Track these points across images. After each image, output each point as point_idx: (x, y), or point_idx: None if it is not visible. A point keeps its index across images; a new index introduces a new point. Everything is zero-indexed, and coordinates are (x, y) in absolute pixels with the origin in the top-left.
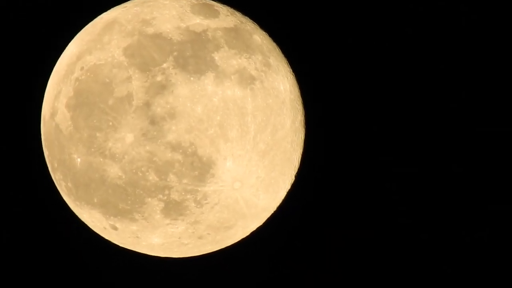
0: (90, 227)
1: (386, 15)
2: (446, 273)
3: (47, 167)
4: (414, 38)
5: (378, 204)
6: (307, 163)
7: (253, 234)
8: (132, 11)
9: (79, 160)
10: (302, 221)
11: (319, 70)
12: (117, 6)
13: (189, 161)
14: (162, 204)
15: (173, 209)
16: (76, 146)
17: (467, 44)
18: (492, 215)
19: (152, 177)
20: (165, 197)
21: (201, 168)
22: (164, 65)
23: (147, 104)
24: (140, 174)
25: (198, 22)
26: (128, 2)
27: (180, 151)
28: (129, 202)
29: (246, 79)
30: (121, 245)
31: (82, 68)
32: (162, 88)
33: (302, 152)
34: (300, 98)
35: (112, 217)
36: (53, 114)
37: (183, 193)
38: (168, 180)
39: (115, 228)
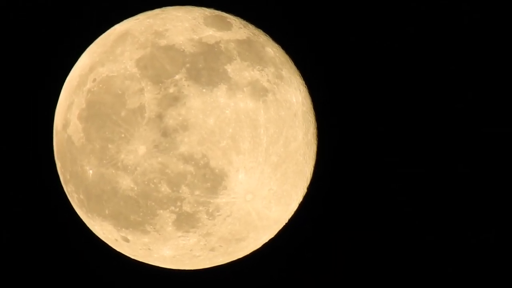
0: (102, 239)
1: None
2: (451, 274)
3: (59, 179)
4: (418, 40)
5: (384, 205)
6: (319, 175)
7: (265, 246)
8: (145, 23)
9: (91, 172)
10: (314, 229)
11: (331, 82)
12: (130, 18)
13: (201, 173)
14: (174, 216)
15: (185, 221)
16: (88, 158)
17: (472, 45)
18: (498, 217)
19: (164, 188)
20: (177, 209)
21: (213, 180)
22: (177, 76)
23: (160, 116)
24: (152, 186)
25: (211, 34)
26: (141, 14)
27: (193, 163)
28: (141, 214)
29: (259, 91)
30: (132, 257)
31: (94, 80)
32: (175, 100)
33: (314, 164)
34: (313, 110)
35: (123, 229)
36: (65, 126)
37: (195, 205)
38: (180, 191)
39: (127, 240)
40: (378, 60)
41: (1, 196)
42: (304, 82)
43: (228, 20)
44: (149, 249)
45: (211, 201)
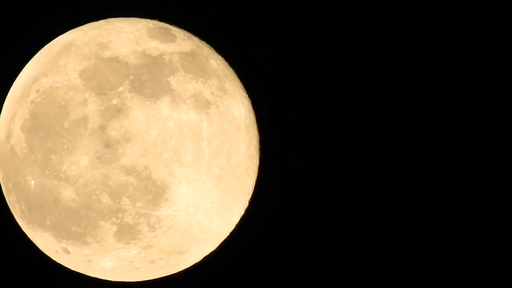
0: (43, 250)
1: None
2: (447, 274)
3: (1, 189)
4: (418, 40)
5: (379, 205)
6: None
7: (206, 258)
8: (89, 34)
9: (33, 182)
10: (300, 224)
11: (275, 95)
12: (74, 29)
13: (143, 185)
14: (115, 228)
15: (126, 233)
16: (30, 168)
17: (467, 44)
18: (494, 216)
19: (106, 200)
20: (119, 221)
21: (155, 192)
22: (120, 88)
23: (102, 128)
24: (94, 197)
25: (154, 46)
26: (86, 25)
27: (134, 174)
28: (82, 225)
29: (202, 104)
30: (73, 268)
31: (38, 91)
32: (118, 111)
33: (256, 178)
34: (256, 123)
35: (64, 240)
36: (8, 136)
37: (136, 217)
38: (121, 203)
39: (67, 252)
40: (369, 63)
41: None
42: (247, 95)
43: (172, 32)
44: (89, 260)
45: (153, 213)
